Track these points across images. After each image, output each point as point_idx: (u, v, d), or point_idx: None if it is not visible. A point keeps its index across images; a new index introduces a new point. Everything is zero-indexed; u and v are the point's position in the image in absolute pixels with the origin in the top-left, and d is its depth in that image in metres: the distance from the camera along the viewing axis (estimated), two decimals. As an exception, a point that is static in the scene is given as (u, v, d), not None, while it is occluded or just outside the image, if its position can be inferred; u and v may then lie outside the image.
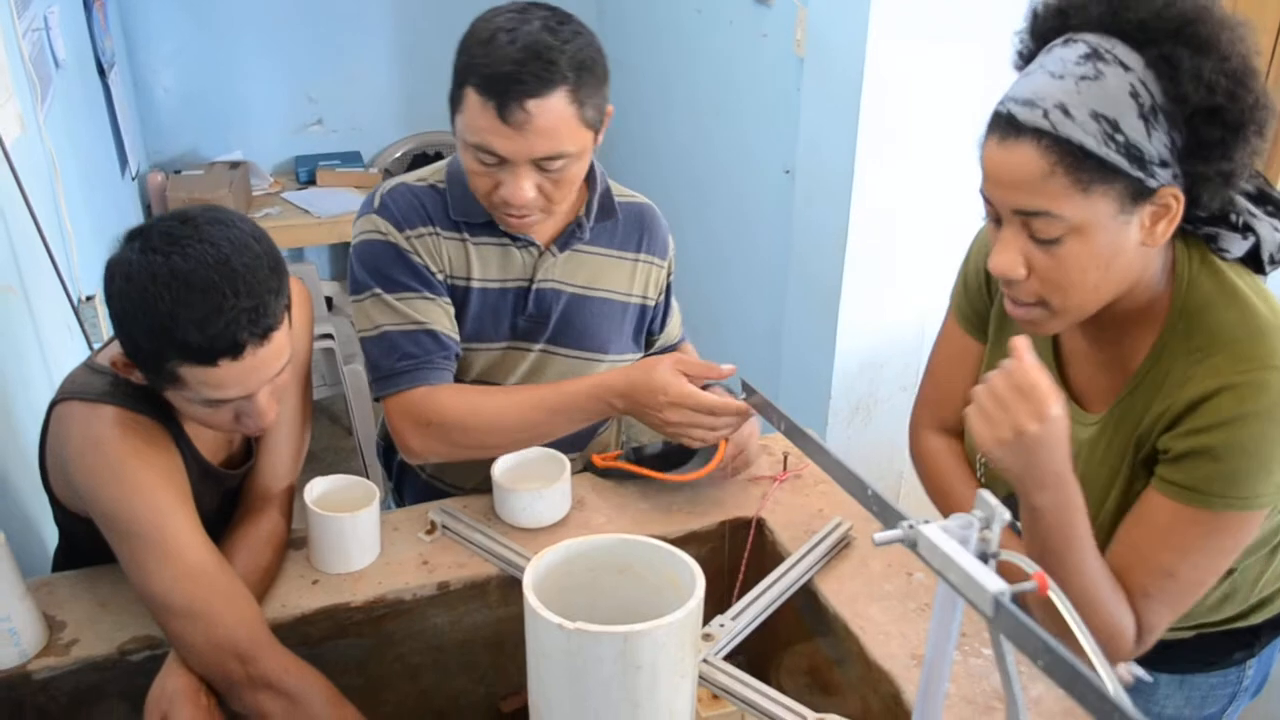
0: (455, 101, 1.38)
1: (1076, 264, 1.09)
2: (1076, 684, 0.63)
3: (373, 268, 1.49)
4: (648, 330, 1.70)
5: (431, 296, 1.49)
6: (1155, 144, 1.03)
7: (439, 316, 1.49)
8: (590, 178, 1.56)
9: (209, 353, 1.12)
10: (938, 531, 0.79)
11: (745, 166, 3.23)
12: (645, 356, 1.71)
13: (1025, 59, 1.16)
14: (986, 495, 0.80)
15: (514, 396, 1.49)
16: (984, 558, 0.80)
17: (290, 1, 3.95)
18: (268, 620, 1.28)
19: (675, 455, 1.58)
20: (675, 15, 3.52)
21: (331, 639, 1.35)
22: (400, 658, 1.40)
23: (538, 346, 1.58)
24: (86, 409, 1.20)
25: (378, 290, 1.48)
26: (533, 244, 1.54)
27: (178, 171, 3.78)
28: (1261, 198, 1.16)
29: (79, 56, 2.92)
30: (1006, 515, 0.80)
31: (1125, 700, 0.62)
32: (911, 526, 0.81)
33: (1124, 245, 1.09)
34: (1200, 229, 1.16)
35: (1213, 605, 1.31)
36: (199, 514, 1.24)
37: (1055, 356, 1.31)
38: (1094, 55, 1.05)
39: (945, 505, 1.42)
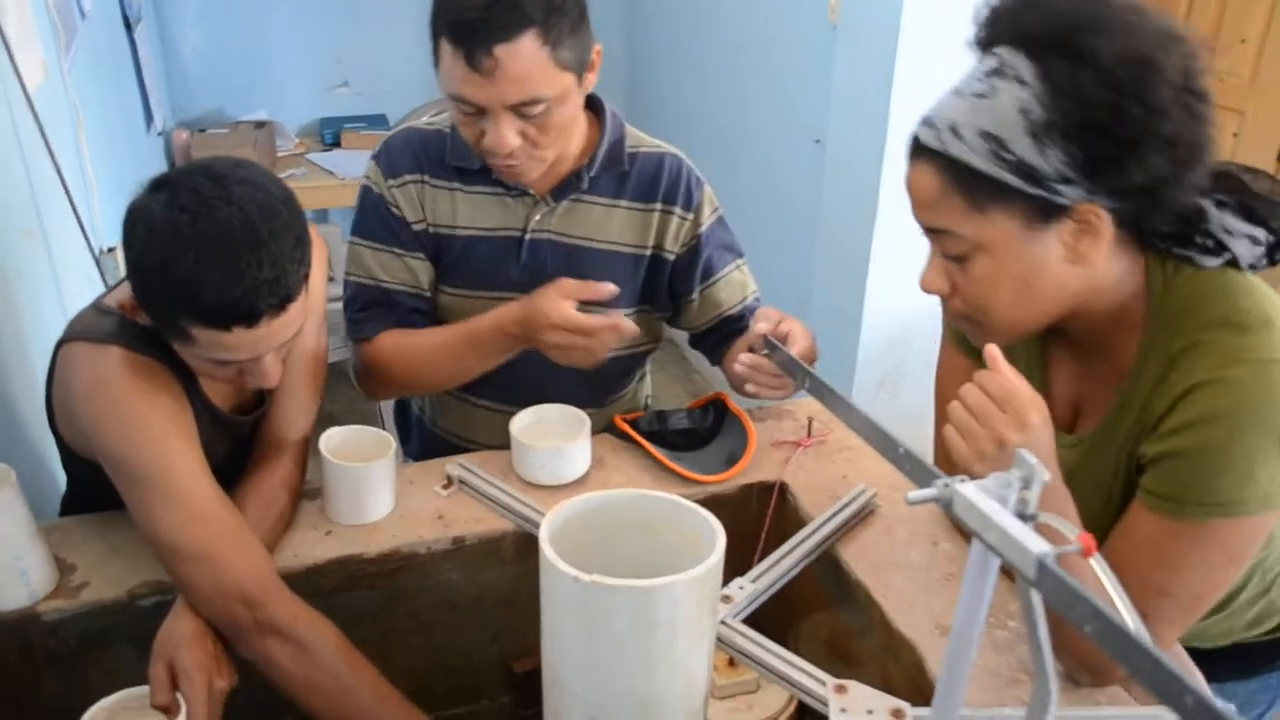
0: (435, 54, 1.36)
1: (989, 281, 1.07)
2: (1128, 650, 0.59)
3: (359, 213, 1.57)
4: (675, 289, 1.62)
5: (400, 252, 1.55)
6: (1051, 161, 0.98)
7: (398, 271, 1.55)
8: (600, 125, 1.52)
9: (224, 319, 1.10)
10: (975, 490, 0.75)
11: (776, 136, 3.19)
12: (695, 331, 1.66)
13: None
14: (1026, 454, 0.76)
15: (435, 337, 1.54)
16: (1022, 519, 0.76)
17: (318, -40, 3.93)
18: (279, 570, 1.26)
19: (699, 433, 1.55)
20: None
21: (343, 590, 1.32)
22: (413, 613, 1.38)
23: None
24: (93, 350, 1.18)
25: (355, 237, 1.57)
26: (527, 193, 1.52)
27: (203, 130, 3.76)
28: (1246, 212, 1.08)
29: (105, 8, 2.90)
30: (1046, 475, 0.76)
31: (1176, 662, 0.58)
32: (947, 485, 0.77)
33: (1043, 263, 1.05)
34: (1169, 249, 1.09)
35: (1249, 622, 1.26)
36: (209, 461, 1.21)
37: (1043, 375, 1.26)
38: (997, 71, 1.01)
39: None
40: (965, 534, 1.29)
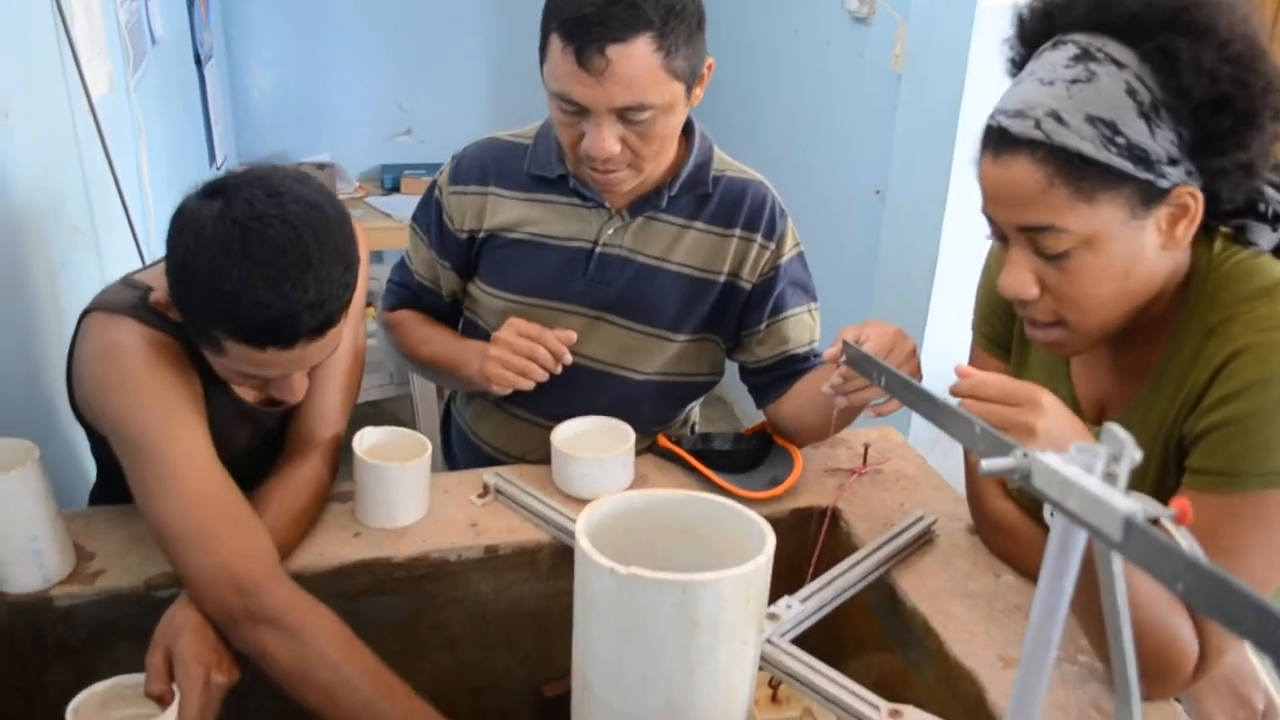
0: (542, 49, 1.33)
1: (1090, 277, 1.01)
2: (1228, 601, 0.51)
3: (421, 199, 1.61)
4: (744, 318, 1.54)
5: (435, 255, 1.58)
6: (1160, 142, 0.95)
7: (428, 268, 1.60)
8: (689, 144, 1.48)
9: (261, 338, 1.08)
10: (1056, 459, 0.67)
11: (835, 186, 3.14)
12: (748, 364, 1.59)
13: (1017, 66, 1.08)
14: (1115, 428, 0.68)
15: (434, 342, 1.58)
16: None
17: (387, 12, 3.98)
18: (302, 569, 1.21)
19: (744, 455, 1.47)
20: (769, 35, 3.45)
21: (369, 595, 1.26)
22: (440, 625, 1.32)
23: (595, 312, 1.50)
24: (108, 318, 1.16)
25: (413, 220, 1.61)
26: (602, 205, 1.47)
27: (265, 169, 3.79)
28: None
29: (177, 41, 2.94)
30: (1138, 454, 0.68)
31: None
32: (1026, 454, 0.70)
33: (1141, 252, 1.01)
34: (1225, 223, 1.06)
35: None
36: (230, 450, 1.17)
37: (1068, 378, 1.21)
38: (1084, 56, 0.97)
39: (1029, 568, 1.26)
40: (1027, 570, 1.20)
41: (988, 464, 0.70)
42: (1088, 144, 0.95)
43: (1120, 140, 0.95)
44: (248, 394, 1.28)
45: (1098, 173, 0.96)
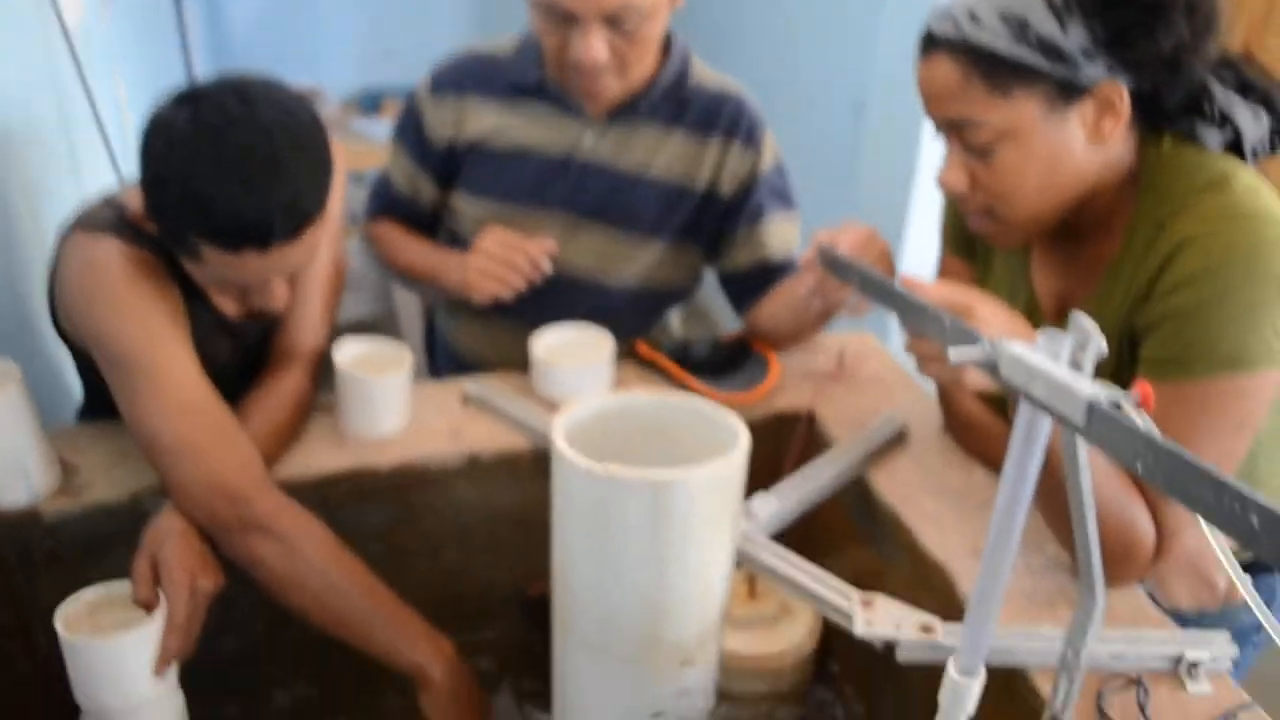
0: None
1: (1015, 170, 1.05)
2: (1186, 478, 0.51)
3: (400, 114, 1.59)
4: (722, 224, 1.54)
5: (414, 166, 1.57)
6: (1072, 37, 0.97)
7: (405, 180, 1.59)
8: (666, 53, 1.46)
9: (235, 240, 1.07)
10: (1023, 348, 0.67)
11: (814, 98, 3.09)
12: (726, 268, 1.58)
13: None
14: (1081, 318, 0.68)
15: (411, 251, 1.58)
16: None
17: (366, -67, 3.90)
18: (287, 479, 1.22)
19: (721, 361, 1.47)
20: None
21: (352, 504, 1.27)
22: (424, 532, 1.33)
23: (574, 219, 1.49)
24: (88, 238, 1.15)
25: (393, 134, 1.61)
26: (582, 112, 1.45)
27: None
28: (1244, 88, 1.06)
29: (150, -36, 2.87)
30: (1103, 343, 0.67)
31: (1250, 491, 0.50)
32: (993, 344, 0.69)
33: (1066, 147, 1.03)
34: (1172, 125, 1.07)
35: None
36: (213, 366, 1.17)
37: (1026, 277, 1.22)
38: None
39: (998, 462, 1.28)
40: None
41: (956, 353, 0.70)
42: (1000, 40, 0.99)
43: (1031, 36, 0.98)
44: (229, 307, 1.27)
45: (1010, 68, 0.99)
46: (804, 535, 1.29)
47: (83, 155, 1.85)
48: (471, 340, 1.62)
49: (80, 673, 0.98)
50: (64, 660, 0.98)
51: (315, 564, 1.08)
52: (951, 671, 0.86)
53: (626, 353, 1.49)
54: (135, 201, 1.14)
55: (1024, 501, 0.77)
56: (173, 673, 1.03)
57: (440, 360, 1.75)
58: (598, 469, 0.87)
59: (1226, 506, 0.49)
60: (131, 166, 2.05)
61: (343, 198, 1.36)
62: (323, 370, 1.36)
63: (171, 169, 1.05)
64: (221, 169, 1.03)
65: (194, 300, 1.20)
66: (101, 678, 0.98)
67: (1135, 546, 1.03)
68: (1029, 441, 0.74)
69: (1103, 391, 0.60)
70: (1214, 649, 0.97)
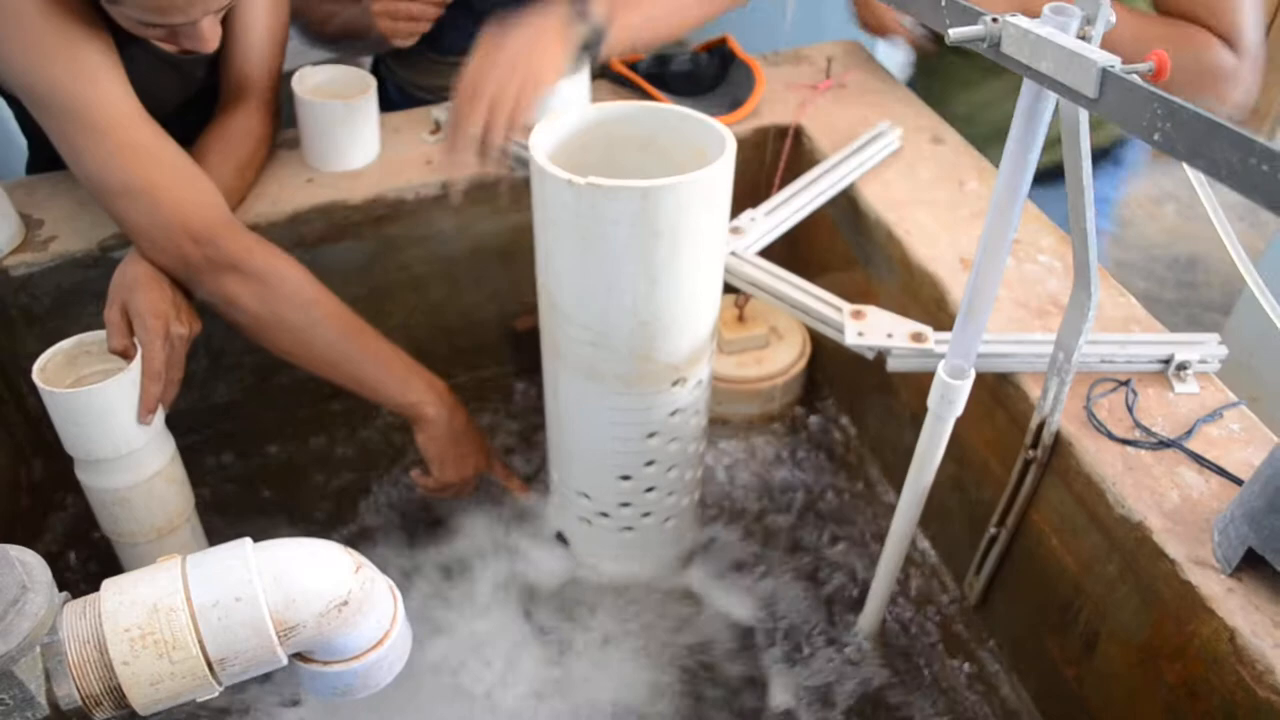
0: None
1: None
2: (1208, 146, 0.49)
3: None
4: None
5: None
6: None
7: None
8: None
9: None
10: (1029, 21, 0.63)
11: None
12: None
13: None
14: (1089, -14, 0.64)
15: (331, 5, 1.45)
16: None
17: None
18: (256, 218, 1.19)
19: (703, 76, 1.41)
20: None
21: (328, 241, 1.24)
22: (404, 267, 1.31)
23: None
24: None
25: None
26: None
27: None
28: None
29: None
30: (1113, 16, 0.63)
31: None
32: (995, 19, 0.65)
33: None
34: None
35: None
36: (165, 109, 1.10)
37: None
38: None
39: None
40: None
41: (956, 33, 0.65)
42: None
43: None
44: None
45: None
46: (791, 255, 1.28)
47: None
48: (418, 75, 1.53)
49: (66, 425, 0.98)
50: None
51: (294, 302, 1.06)
52: (942, 374, 0.87)
53: (600, 72, 1.43)
54: None
55: (1022, 191, 0.75)
56: (159, 419, 1.03)
57: (393, 95, 1.66)
58: (581, 181, 0.84)
59: (1254, 168, 0.47)
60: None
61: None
62: (281, 106, 1.29)
63: None
64: None
65: (129, 43, 1.12)
66: (86, 428, 0.98)
67: (1217, 66, 1.03)
68: (1030, 124, 0.71)
69: (1116, 58, 0.57)
70: (1203, 350, 0.97)
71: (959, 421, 0.91)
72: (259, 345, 1.09)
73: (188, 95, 1.24)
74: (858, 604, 1.16)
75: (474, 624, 1.15)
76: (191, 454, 1.13)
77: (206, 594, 0.57)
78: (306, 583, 0.60)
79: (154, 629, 0.55)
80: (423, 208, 1.26)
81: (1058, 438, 0.93)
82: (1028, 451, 0.95)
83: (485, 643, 1.14)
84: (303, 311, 1.07)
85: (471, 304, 1.37)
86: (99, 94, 1.03)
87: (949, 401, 0.88)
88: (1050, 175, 1.06)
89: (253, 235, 1.08)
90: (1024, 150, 0.72)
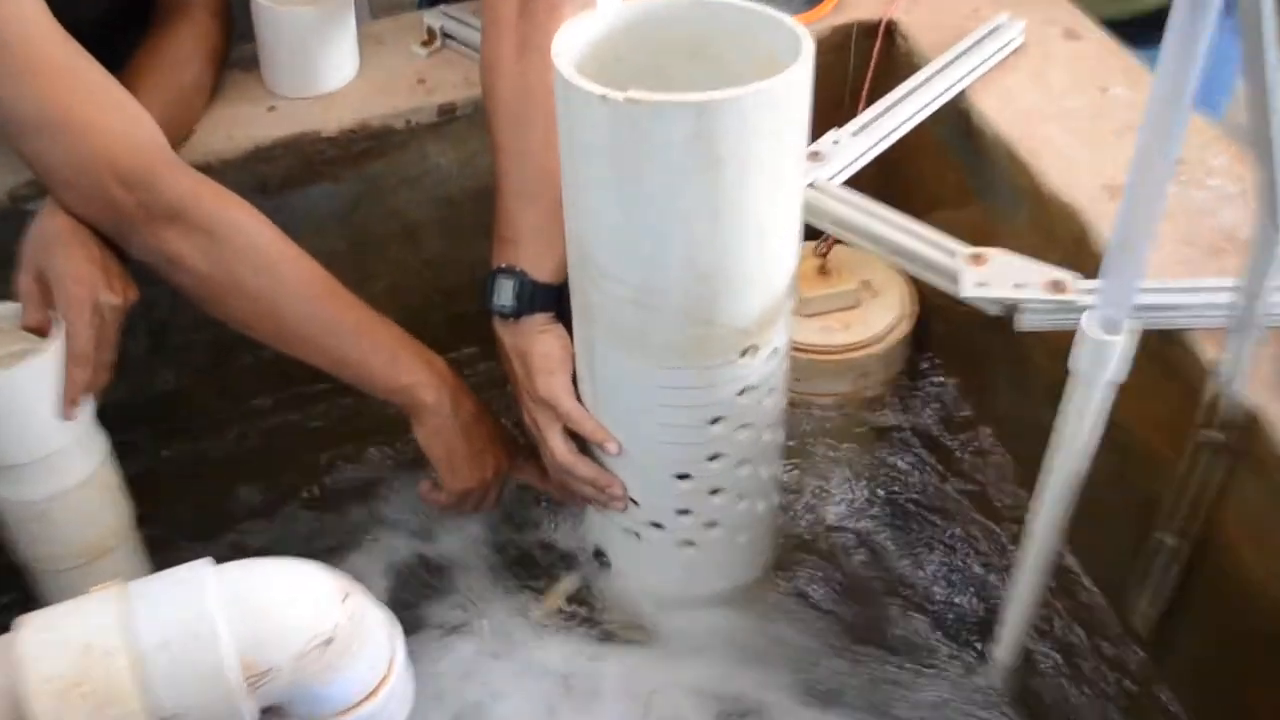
0: None
1: None
2: None
3: None
4: None
5: None
6: None
7: None
8: None
9: None
10: None
11: None
12: None
13: None
14: None
15: None
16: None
17: None
18: (206, 156, 1.19)
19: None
20: None
21: (298, 185, 1.25)
22: (394, 213, 1.32)
23: None
24: None
25: None
26: None
27: None
28: None
29: None
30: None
31: None
32: None
33: None
34: None
35: None
36: (85, 25, 1.08)
37: None
38: None
39: None
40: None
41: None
42: None
43: None
44: None
45: None
46: (885, 187, 1.26)
47: None
48: None
49: (-30, 422, 0.98)
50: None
51: (253, 260, 1.06)
52: (1091, 329, 0.85)
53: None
54: None
55: (1186, 95, 0.73)
56: (87, 413, 1.03)
57: None
58: (619, 97, 0.82)
59: None
60: None
61: None
62: (234, 16, 1.29)
63: None
64: None
65: None
66: (-5, 425, 0.98)
67: None
68: (1194, 14, 0.69)
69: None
70: None
71: (1116, 397, 0.89)
72: (211, 316, 1.09)
73: (116, 4, 1.23)
74: (979, 630, 1.16)
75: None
76: (130, 455, 1.13)
77: (153, 632, 0.56)
78: (281, 615, 0.59)
79: (85, 678, 0.54)
80: (415, 138, 1.27)
81: (1246, 414, 0.91)
82: (1203, 433, 0.93)
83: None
84: (265, 272, 1.06)
85: (478, 259, 1.35)
86: (2, 8, 1.02)
87: (1101, 364, 0.86)
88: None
89: (199, 176, 1.07)
90: (1188, 40, 0.69)
